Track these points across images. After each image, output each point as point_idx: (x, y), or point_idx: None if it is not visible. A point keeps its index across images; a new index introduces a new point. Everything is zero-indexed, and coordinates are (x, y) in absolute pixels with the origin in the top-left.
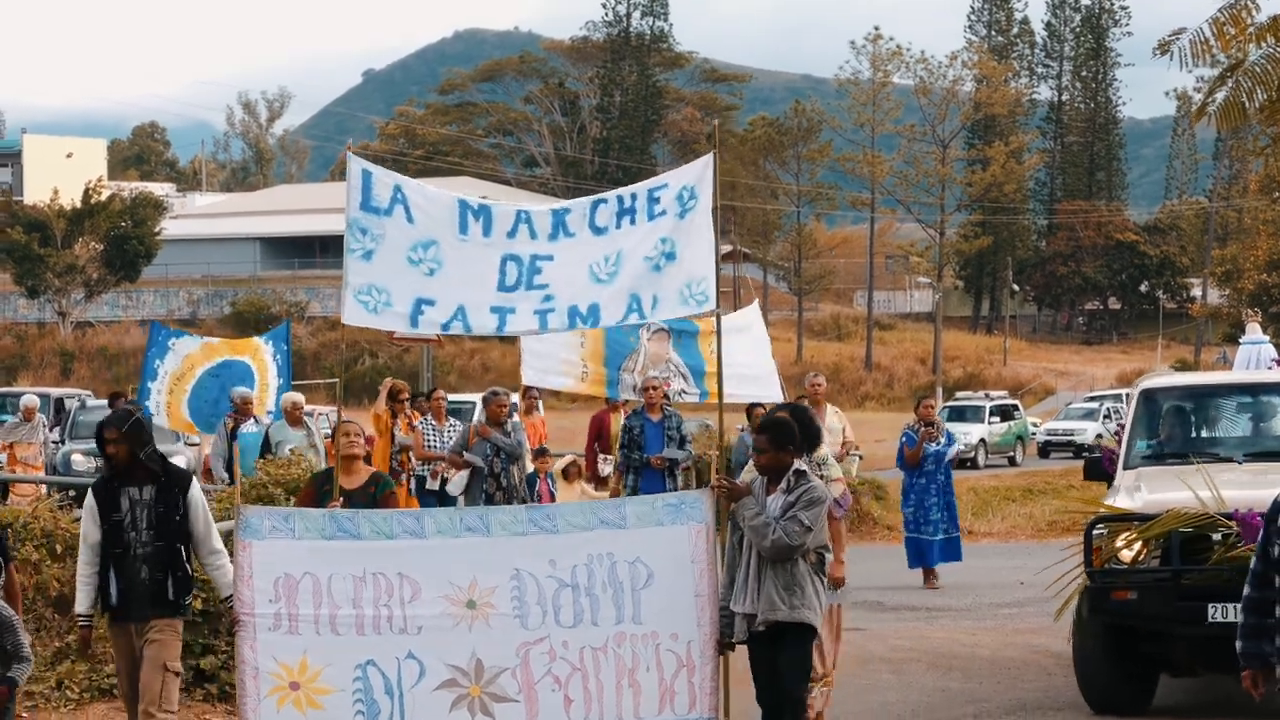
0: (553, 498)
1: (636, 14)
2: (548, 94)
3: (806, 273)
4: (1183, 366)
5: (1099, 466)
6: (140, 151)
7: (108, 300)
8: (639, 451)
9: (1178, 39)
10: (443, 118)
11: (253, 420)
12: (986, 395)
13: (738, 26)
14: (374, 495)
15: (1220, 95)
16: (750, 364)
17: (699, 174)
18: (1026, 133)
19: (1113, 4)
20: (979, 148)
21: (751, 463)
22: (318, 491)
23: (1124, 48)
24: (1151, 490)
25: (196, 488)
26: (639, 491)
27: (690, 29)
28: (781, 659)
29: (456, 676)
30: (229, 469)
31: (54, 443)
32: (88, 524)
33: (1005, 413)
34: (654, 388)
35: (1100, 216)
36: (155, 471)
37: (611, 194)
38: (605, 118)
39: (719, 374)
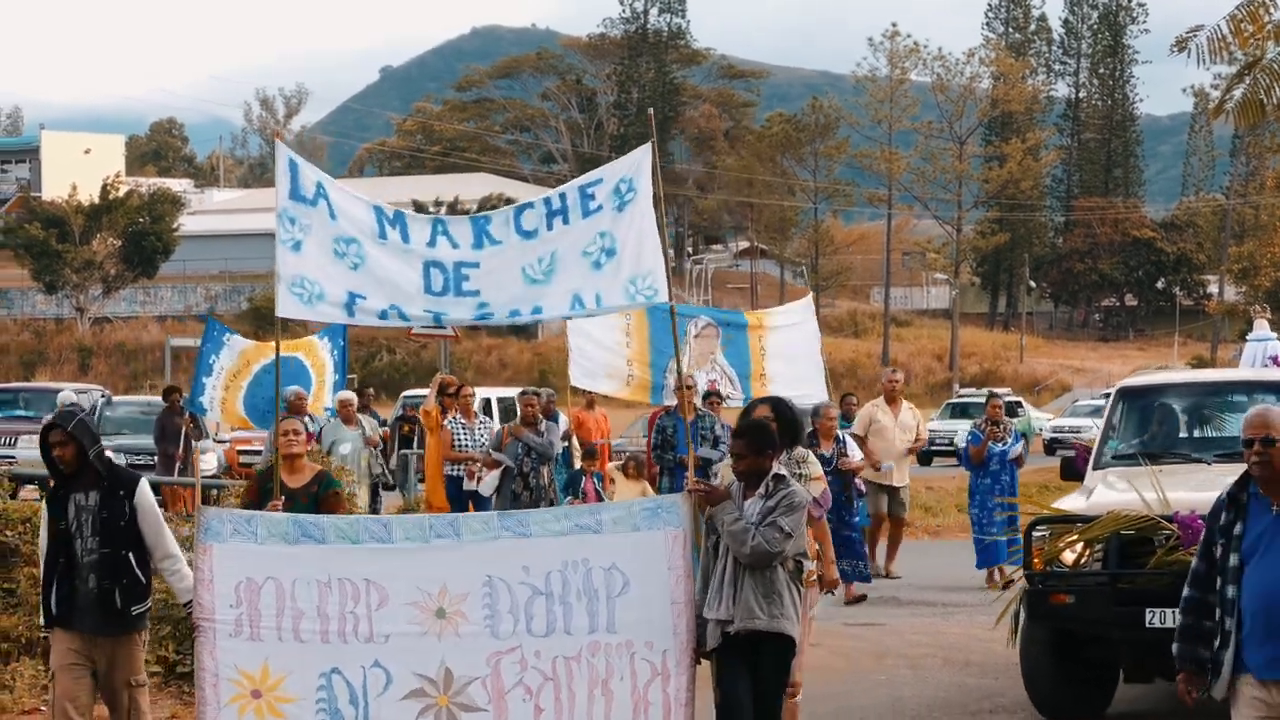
0: (599, 498)
1: (654, 11)
2: (565, 91)
3: (823, 269)
4: (1199, 363)
5: (1074, 466)
6: (158, 147)
7: (125, 296)
8: (672, 452)
9: (1195, 36)
10: (460, 114)
11: (307, 417)
12: (990, 392)
13: (755, 23)
14: (316, 495)
15: (1238, 92)
16: (795, 364)
17: (636, 165)
18: (1043, 129)
19: (1130, 1)
20: (996, 144)
21: (728, 466)
22: (260, 490)
23: (1141, 45)
24: (1103, 491)
25: (145, 490)
26: (674, 492)
27: (708, 26)
28: (761, 672)
29: (424, 686)
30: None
31: None
32: (43, 534)
33: (1009, 410)
34: (689, 387)
35: (1117, 213)
36: (101, 475)
37: (538, 198)
38: (622, 114)
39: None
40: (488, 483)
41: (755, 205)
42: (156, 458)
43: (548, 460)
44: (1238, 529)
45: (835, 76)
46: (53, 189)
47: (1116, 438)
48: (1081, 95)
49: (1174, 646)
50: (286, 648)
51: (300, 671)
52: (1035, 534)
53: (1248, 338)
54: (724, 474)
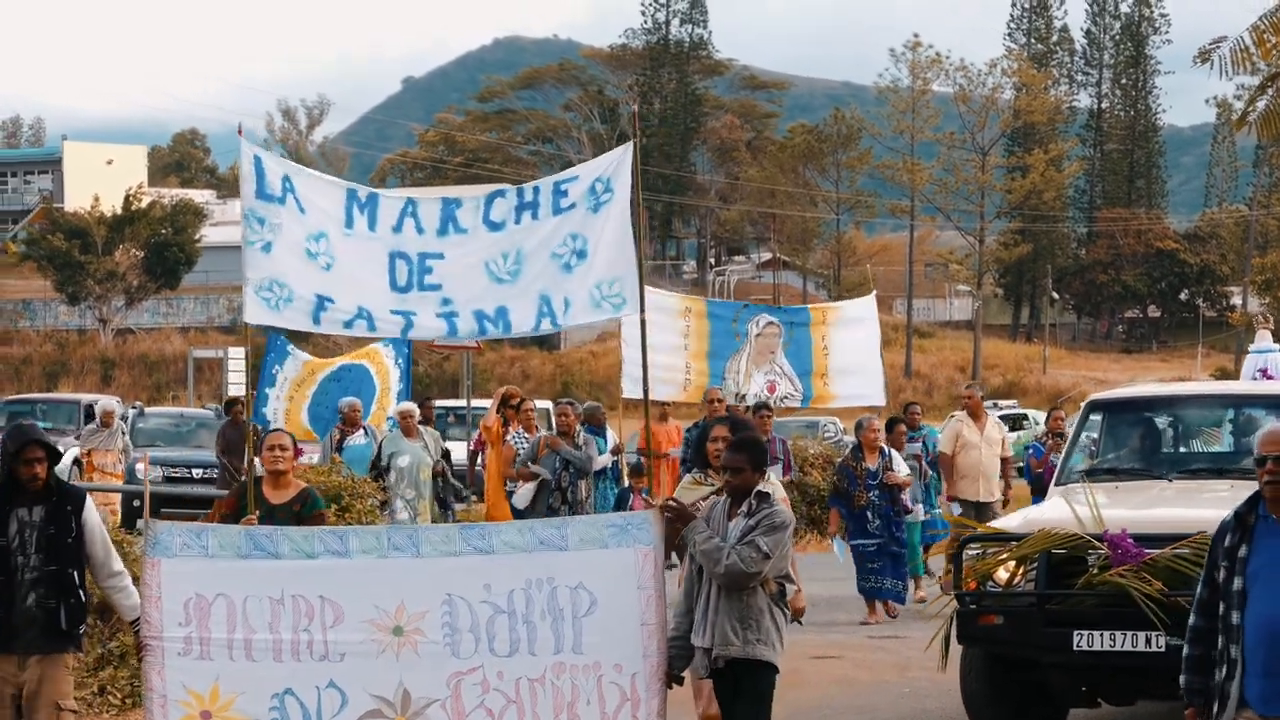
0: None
1: (676, 21)
2: (587, 101)
3: (846, 280)
4: (1222, 375)
5: (1040, 482)
6: (180, 158)
7: (148, 307)
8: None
9: (1218, 47)
10: (482, 125)
11: (362, 431)
12: (995, 404)
13: (777, 34)
14: (299, 513)
15: (1261, 103)
16: (857, 361)
17: (615, 164)
18: (1066, 140)
19: (1153, 12)
20: (1018, 155)
21: (688, 481)
22: (238, 504)
23: (1164, 55)
24: (1044, 508)
25: (91, 507)
26: None
27: (729, 36)
28: (738, 703)
29: (381, 707)
30: None
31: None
32: None
33: (1014, 422)
34: (719, 399)
35: (1140, 224)
36: (50, 489)
37: (511, 188)
38: (644, 125)
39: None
40: (522, 495)
41: (777, 216)
42: (218, 471)
43: (586, 474)
44: (1243, 551)
45: (857, 87)
46: (75, 200)
47: (1081, 453)
48: (1104, 106)
49: (1181, 679)
50: (238, 667)
51: (252, 692)
52: (967, 553)
53: (1249, 349)
54: (682, 497)
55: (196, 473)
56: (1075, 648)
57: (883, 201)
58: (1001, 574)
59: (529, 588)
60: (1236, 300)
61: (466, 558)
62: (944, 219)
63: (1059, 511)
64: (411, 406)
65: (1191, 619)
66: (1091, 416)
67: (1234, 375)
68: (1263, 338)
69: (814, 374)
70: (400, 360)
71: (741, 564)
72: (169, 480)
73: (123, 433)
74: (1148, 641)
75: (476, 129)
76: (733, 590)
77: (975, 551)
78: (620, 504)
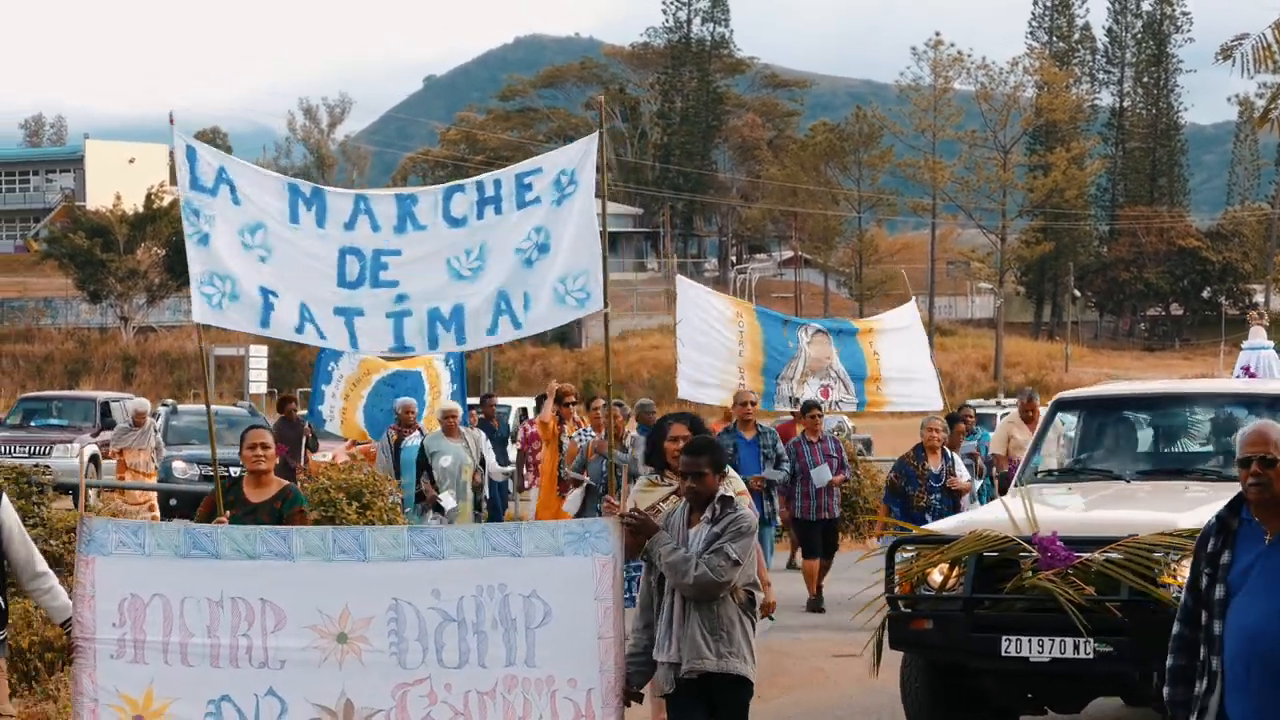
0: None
1: (697, 20)
2: (608, 100)
3: (867, 278)
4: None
5: (1005, 483)
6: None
7: (169, 305)
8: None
9: (1240, 45)
10: (504, 123)
11: (417, 432)
12: (998, 402)
13: (799, 32)
14: (280, 511)
15: None
16: (908, 367)
17: (580, 156)
18: (1088, 138)
19: (1174, 10)
20: (1040, 153)
21: (644, 483)
22: (213, 505)
23: (1186, 53)
24: (983, 510)
25: (8, 506)
26: None
27: (751, 35)
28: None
29: (322, 717)
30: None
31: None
32: None
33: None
34: (750, 403)
35: (1162, 222)
36: None
37: (470, 181)
38: (666, 124)
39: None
40: (571, 501)
41: (799, 214)
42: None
43: (635, 478)
44: (1225, 558)
45: (879, 86)
46: (97, 199)
47: (1044, 453)
48: (1126, 104)
49: (1164, 691)
50: (173, 671)
51: (187, 697)
52: (897, 556)
53: (1243, 346)
54: (636, 500)
55: (234, 471)
56: (1003, 653)
57: (904, 200)
58: (936, 577)
59: (480, 595)
60: (1259, 298)
61: (415, 563)
62: (966, 217)
63: (995, 513)
64: (455, 406)
65: (1175, 627)
66: (1058, 415)
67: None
68: (1256, 334)
69: (868, 379)
70: (451, 360)
71: (712, 574)
72: (206, 479)
73: (155, 431)
74: (1076, 648)
75: (498, 127)
76: (702, 601)
77: (910, 554)
78: None
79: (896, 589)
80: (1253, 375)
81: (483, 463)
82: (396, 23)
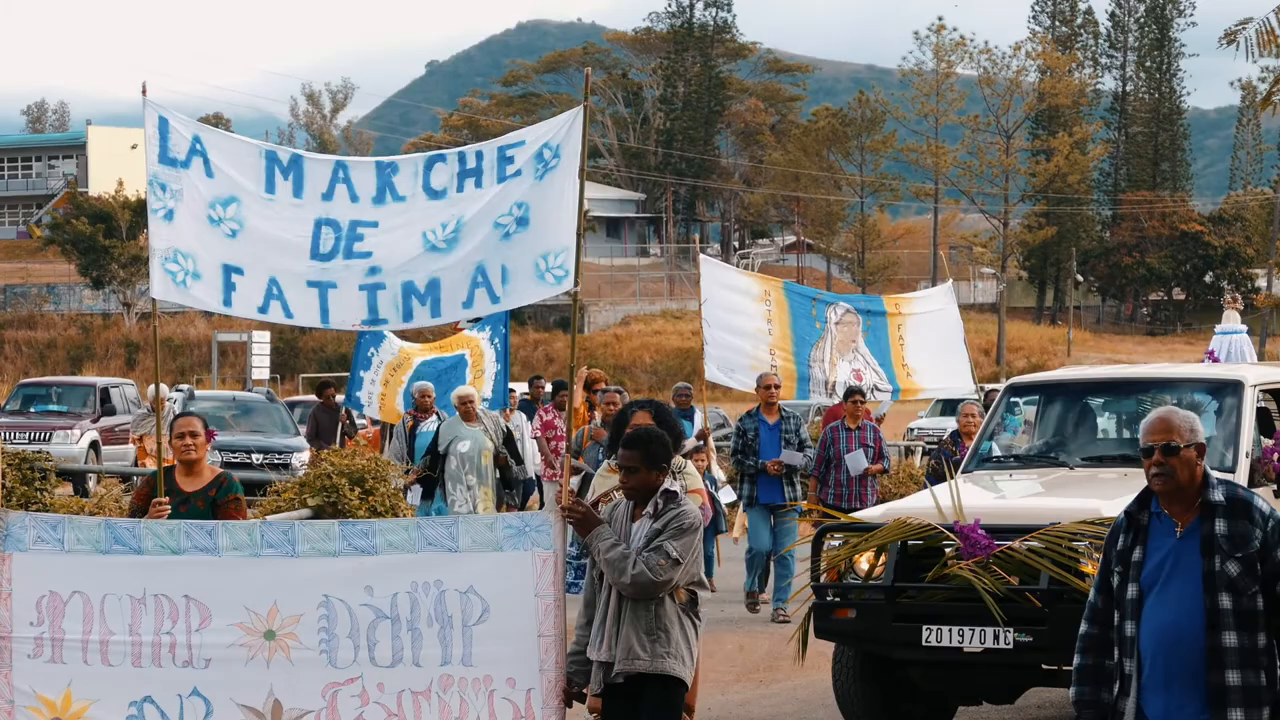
0: (714, 506)
1: (700, 5)
2: (611, 85)
3: (870, 263)
4: None
5: (940, 471)
6: None
7: None
8: (754, 457)
9: (1244, 29)
10: (506, 109)
11: (434, 418)
12: (980, 388)
13: (801, 17)
14: (214, 499)
15: None
16: (938, 351)
17: (564, 129)
18: (1090, 123)
19: None
20: (1043, 138)
21: (604, 469)
22: (151, 492)
23: (1188, 38)
24: (912, 498)
25: None
26: (756, 502)
27: (753, 20)
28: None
29: (249, 718)
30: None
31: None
32: None
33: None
34: (774, 386)
35: (1164, 207)
36: None
37: (452, 152)
38: (669, 109)
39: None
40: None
41: (801, 199)
42: (283, 455)
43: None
44: (1137, 554)
45: (881, 70)
46: (100, 184)
47: (990, 439)
48: (1128, 89)
49: (1071, 690)
50: (93, 671)
51: (108, 699)
52: (827, 543)
53: (1216, 330)
54: (595, 486)
55: (256, 458)
56: (924, 643)
57: (907, 185)
58: (863, 565)
59: (414, 591)
60: (1261, 283)
61: (346, 558)
62: (968, 202)
63: (923, 501)
64: (470, 391)
65: (1082, 626)
66: (1010, 400)
67: (1261, 358)
68: (1230, 318)
69: (894, 366)
70: (497, 340)
71: (650, 573)
72: (228, 465)
73: (173, 416)
74: (995, 638)
75: (500, 113)
76: (640, 600)
77: (838, 541)
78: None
79: (823, 577)
80: (1216, 360)
81: (508, 443)
82: (399, 8)
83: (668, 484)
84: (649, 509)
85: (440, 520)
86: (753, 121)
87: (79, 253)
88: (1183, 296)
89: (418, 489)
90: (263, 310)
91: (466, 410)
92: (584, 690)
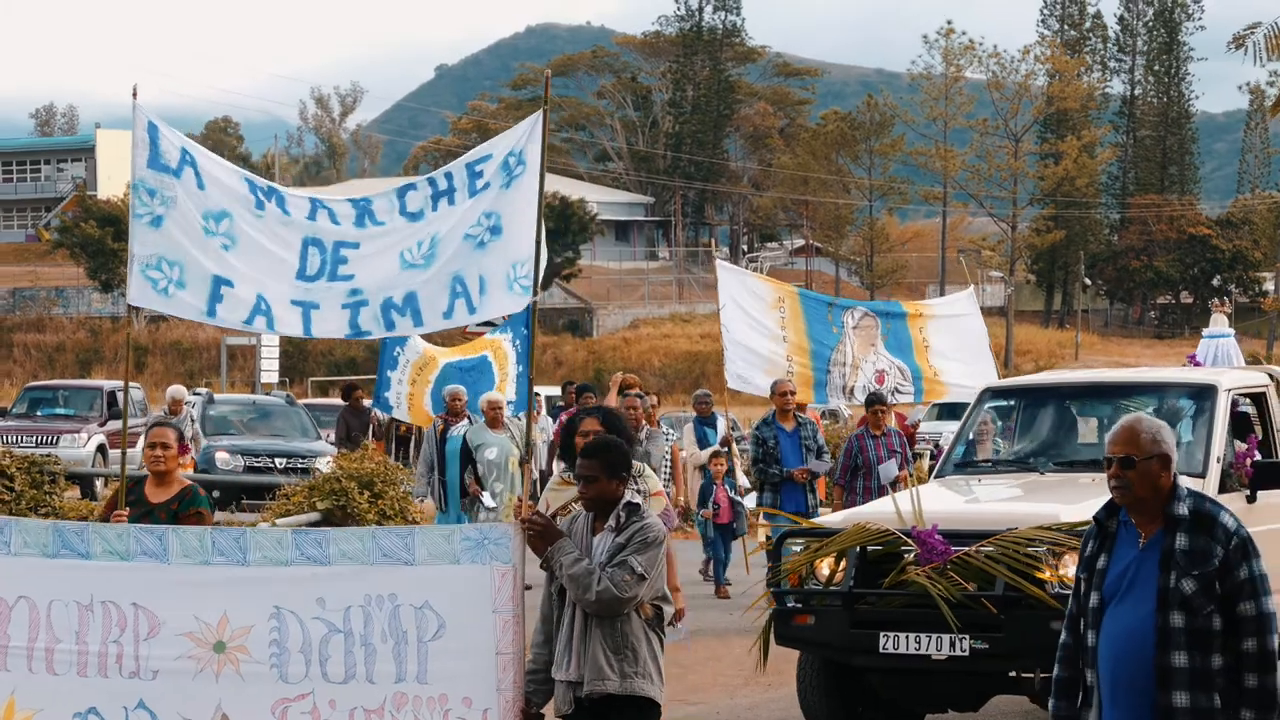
0: (732, 507)
1: (709, 8)
2: (620, 89)
3: (878, 267)
4: (1254, 361)
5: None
6: (213, 146)
7: None
8: (777, 465)
9: (1252, 34)
10: (515, 112)
11: (466, 421)
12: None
13: (810, 21)
14: (175, 512)
15: None
16: (964, 354)
17: (526, 135)
18: (1099, 127)
19: None
20: (1051, 142)
21: (555, 481)
22: (118, 502)
23: (1197, 41)
24: (875, 503)
25: None
26: (780, 509)
27: (763, 23)
28: None
29: None
30: (432, 479)
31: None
32: None
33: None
34: (789, 393)
35: (1173, 210)
36: None
37: (422, 178)
38: (678, 112)
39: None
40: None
41: (810, 203)
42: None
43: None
44: (1102, 562)
45: (890, 74)
46: (108, 188)
47: (964, 444)
48: (1137, 92)
49: (1050, 703)
50: (37, 680)
51: (51, 709)
52: (788, 549)
53: (1204, 334)
54: (547, 500)
55: (279, 462)
56: (881, 649)
57: (915, 188)
58: (824, 571)
59: (368, 605)
60: (1269, 286)
61: (299, 567)
62: (977, 205)
63: (884, 506)
64: (498, 397)
65: (1062, 635)
66: (986, 404)
67: (1268, 360)
68: (1217, 322)
69: (923, 377)
70: (519, 342)
71: (615, 589)
72: (250, 470)
73: (192, 420)
74: (952, 644)
75: (509, 116)
76: (604, 617)
77: (799, 546)
78: (702, 497)
79: (784, 583)
80: (1198, 364)
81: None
82: (407, 12)
83: (629, 495)
84: (611, 521)
85: (396, 531)
86: (761, 125)
87: (88, 256)
88: (1190, 300)
89: (498, 491)
90: (247, 321)
91: (495, 416)
92: (542, 711)
